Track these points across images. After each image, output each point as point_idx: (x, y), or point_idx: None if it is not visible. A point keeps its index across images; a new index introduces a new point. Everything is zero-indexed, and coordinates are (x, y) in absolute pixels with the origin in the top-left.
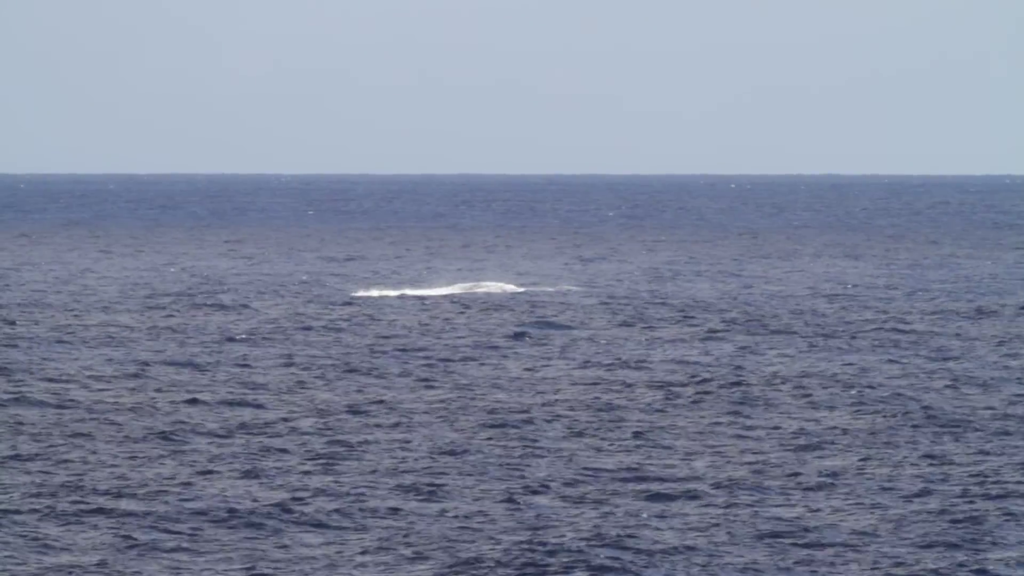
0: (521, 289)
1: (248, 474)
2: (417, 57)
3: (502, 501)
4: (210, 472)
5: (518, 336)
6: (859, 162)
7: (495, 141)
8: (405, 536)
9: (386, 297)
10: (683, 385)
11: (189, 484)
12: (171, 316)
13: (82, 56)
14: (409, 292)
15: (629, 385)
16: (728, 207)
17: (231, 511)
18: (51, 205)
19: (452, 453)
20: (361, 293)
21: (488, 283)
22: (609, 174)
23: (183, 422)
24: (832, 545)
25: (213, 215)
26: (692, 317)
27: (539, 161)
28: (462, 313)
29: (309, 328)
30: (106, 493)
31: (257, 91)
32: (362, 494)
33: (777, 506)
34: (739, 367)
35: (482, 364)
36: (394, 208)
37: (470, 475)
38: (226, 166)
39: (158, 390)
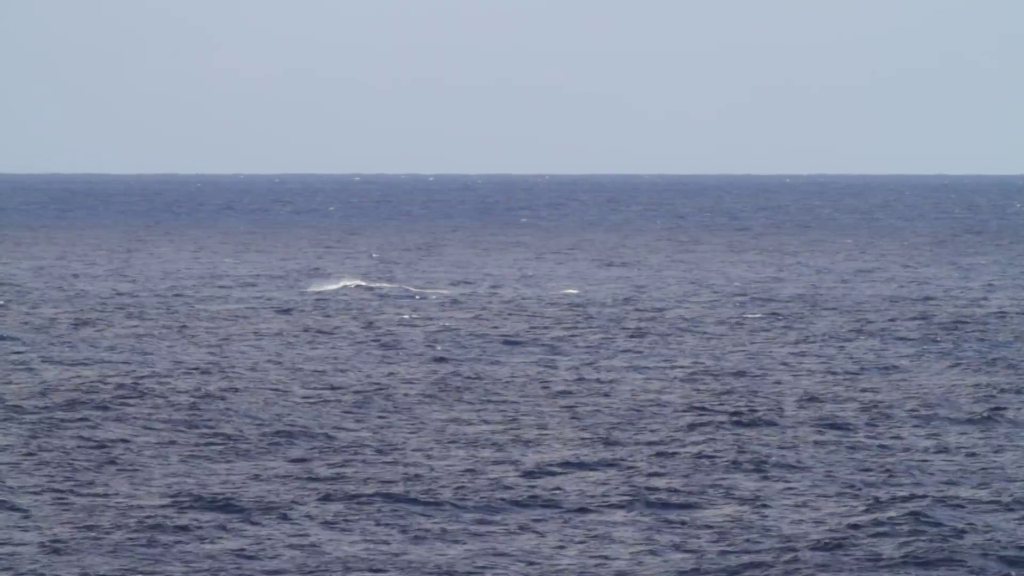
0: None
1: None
2: (418, 57)
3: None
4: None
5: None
6: (858, 163)
7: (495, 141)
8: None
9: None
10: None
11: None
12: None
13: (82, 56)
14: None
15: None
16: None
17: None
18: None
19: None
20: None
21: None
22: (608, 174)
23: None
24: None
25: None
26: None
27: (543, 161)
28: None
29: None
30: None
31: (257, 92)
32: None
33: None
34: None
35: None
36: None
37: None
38: (226, 166)
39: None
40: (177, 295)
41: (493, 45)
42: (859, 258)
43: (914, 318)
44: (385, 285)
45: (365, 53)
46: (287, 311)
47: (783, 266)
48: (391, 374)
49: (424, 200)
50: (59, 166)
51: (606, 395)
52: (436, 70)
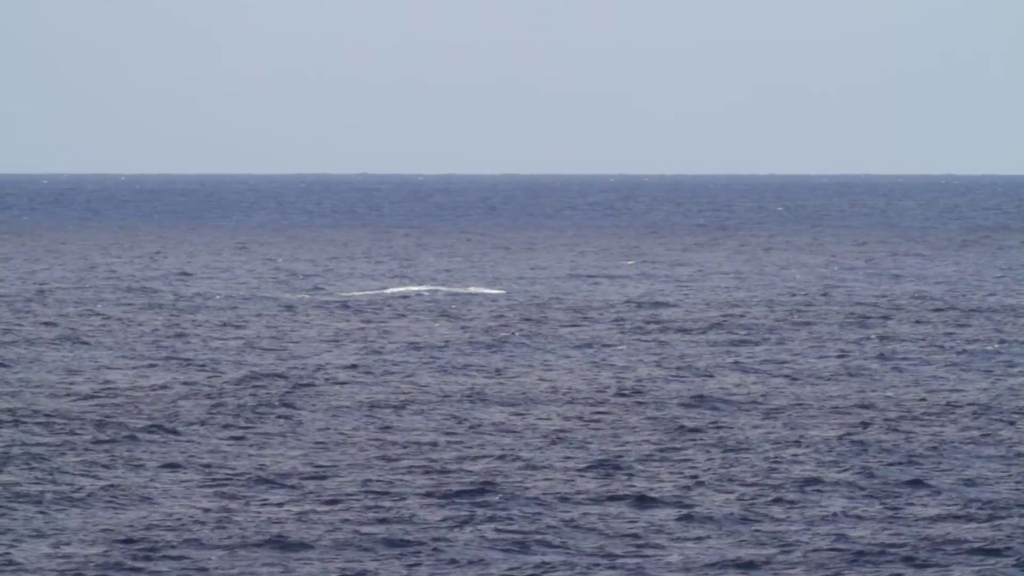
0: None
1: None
2: (417, 58)
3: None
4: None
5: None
6: (860, 163)
7: (495, 141)
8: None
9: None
10: None
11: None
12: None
13: (82, 56)
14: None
15: None
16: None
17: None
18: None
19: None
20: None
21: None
22: (611, 174)
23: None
24: None
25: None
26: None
27: (545, 162)
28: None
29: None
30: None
31: (257, 92)
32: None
33: None
34: None
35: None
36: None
37: None
38: (225, 167)
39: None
40: (318, 287)
41: (494, 45)
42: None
43: None
44: (490, 290)
45: (365, 54)
46: (350, 310)
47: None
48: (492, 373)
49: (460, 201)
50: (59, 167)
51: (696, 396)
52: (437, 70)
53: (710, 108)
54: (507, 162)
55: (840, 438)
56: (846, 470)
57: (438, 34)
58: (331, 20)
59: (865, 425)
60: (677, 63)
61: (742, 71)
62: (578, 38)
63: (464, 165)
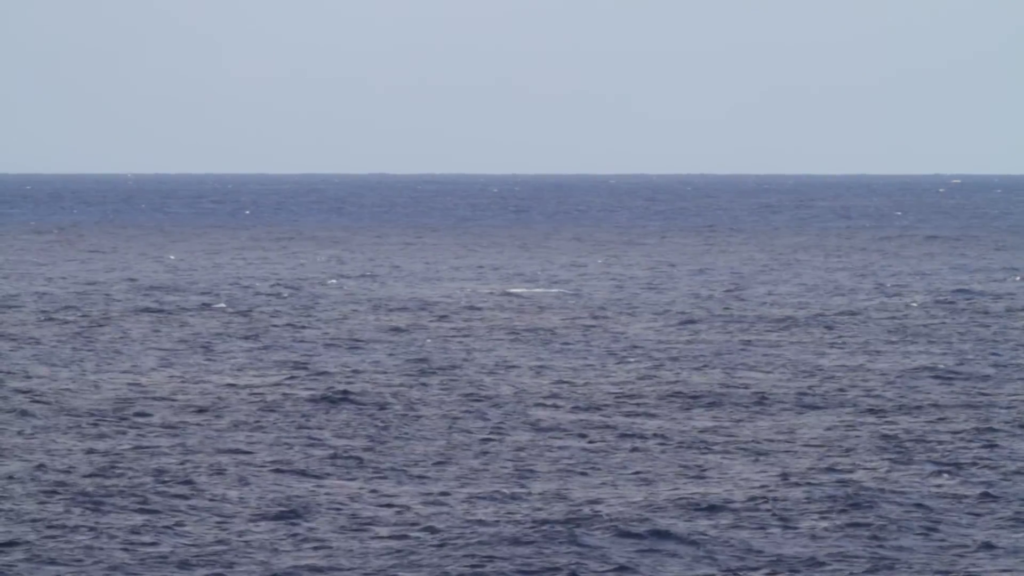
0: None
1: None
2: (417, 58)
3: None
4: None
5: None
6: (860, 163)
7: (495, 142)
8: None
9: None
10: None
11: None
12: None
13: (83, 56)
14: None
15: None
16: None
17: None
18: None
19: None
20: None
21: None
22: (612, 175)
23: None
24: None
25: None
26: None
27: (546, 162)
28: None
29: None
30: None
31: (257, 92)
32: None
33: None
34: None
35: None
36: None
37: None
38: (226, 166)
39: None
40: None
41: (496, 45)
42: None
43: None
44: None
45: (365, 54)
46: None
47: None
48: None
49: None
50: (60, 166)
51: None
52: (438, 70)
53: (710, 109)
54: (507, 162)
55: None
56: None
57: (438, 34)
58: (331, 22)
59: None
60: (677, 63)
61: (742, 71)
62: (577, 38)
63: (465, 166)
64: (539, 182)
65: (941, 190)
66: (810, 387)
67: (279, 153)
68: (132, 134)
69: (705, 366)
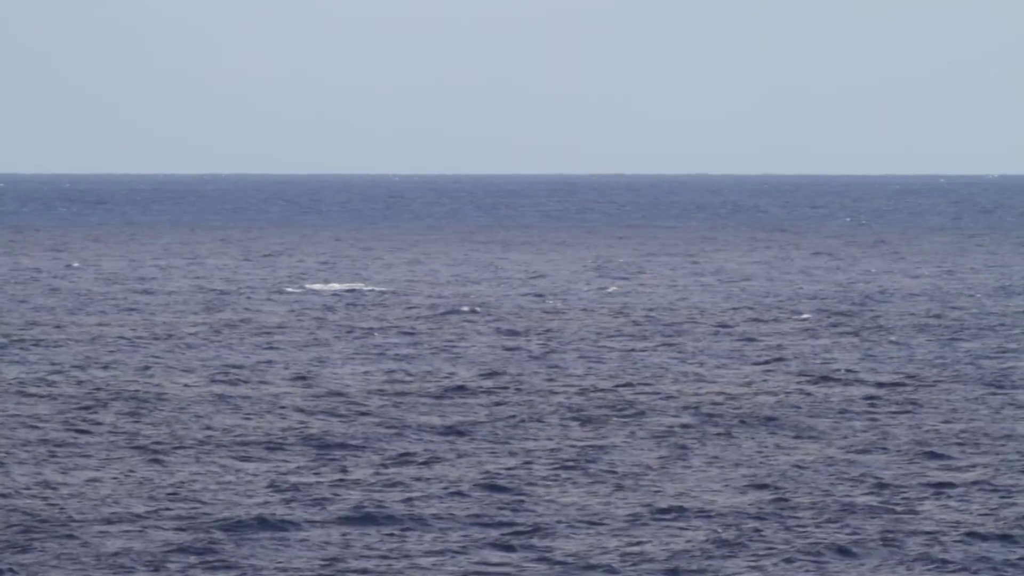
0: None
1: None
2: (417, 58)
3: None
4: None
5: None
6: (859, 163)
7: (495, 142)
8: None
9: None
10: None
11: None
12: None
13: (83, 56)
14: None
15: None
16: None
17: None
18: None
19: None
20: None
21: None
22: (610, 175)
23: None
24: None
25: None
26: None
27: (546, 162)
28: None
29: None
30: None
31: (256, 93)
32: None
33: None
34: None
35: None
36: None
37: None
38: (225, 167)
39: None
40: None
41: (496, 45)
42: None
43: None
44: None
45: (365, 54)
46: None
47: None
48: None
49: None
50: (59, 167)
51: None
52: (438, 70)
53: (710, 109)
54: (507, 163)
55: None
56: None
57: (438, 34)
58: (330, 22)
59: None
60: (677, 63)
61: (742, 72)
62: (577, 38)
63: (465, 166)
64: (541, 182)
65: None
66: None
67: (279, 153)
68: (132, 134)
69: None
